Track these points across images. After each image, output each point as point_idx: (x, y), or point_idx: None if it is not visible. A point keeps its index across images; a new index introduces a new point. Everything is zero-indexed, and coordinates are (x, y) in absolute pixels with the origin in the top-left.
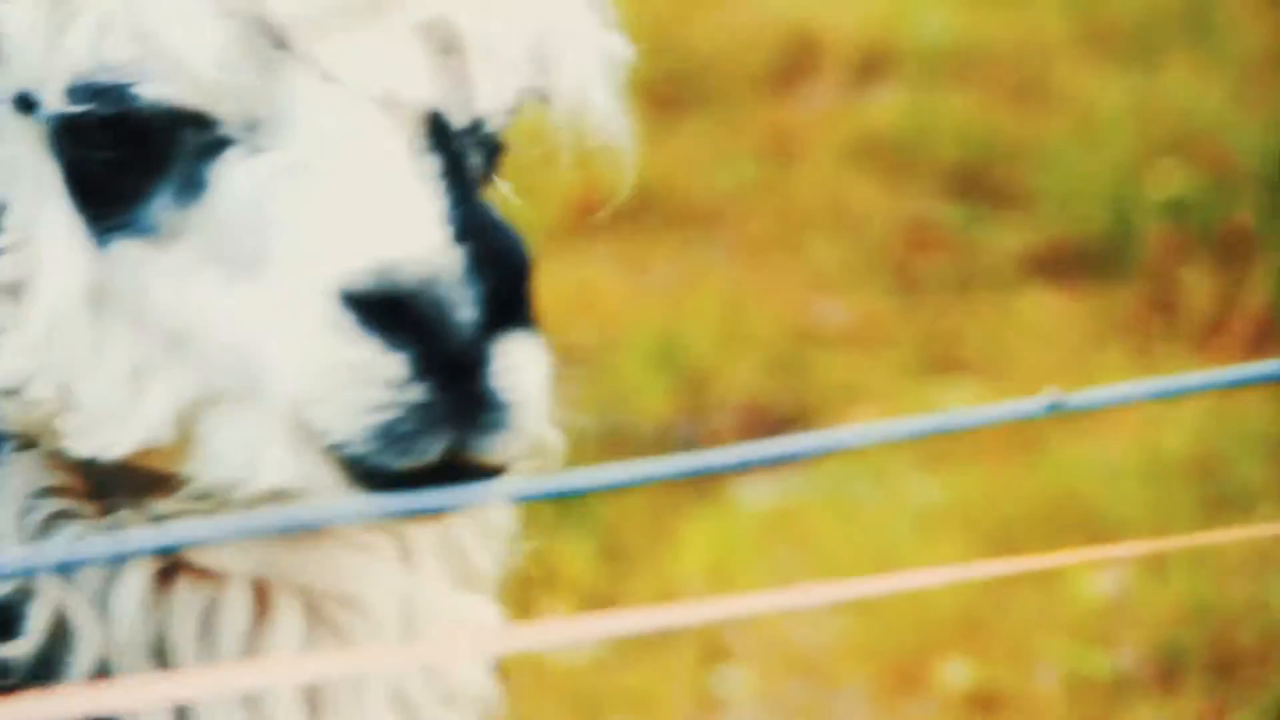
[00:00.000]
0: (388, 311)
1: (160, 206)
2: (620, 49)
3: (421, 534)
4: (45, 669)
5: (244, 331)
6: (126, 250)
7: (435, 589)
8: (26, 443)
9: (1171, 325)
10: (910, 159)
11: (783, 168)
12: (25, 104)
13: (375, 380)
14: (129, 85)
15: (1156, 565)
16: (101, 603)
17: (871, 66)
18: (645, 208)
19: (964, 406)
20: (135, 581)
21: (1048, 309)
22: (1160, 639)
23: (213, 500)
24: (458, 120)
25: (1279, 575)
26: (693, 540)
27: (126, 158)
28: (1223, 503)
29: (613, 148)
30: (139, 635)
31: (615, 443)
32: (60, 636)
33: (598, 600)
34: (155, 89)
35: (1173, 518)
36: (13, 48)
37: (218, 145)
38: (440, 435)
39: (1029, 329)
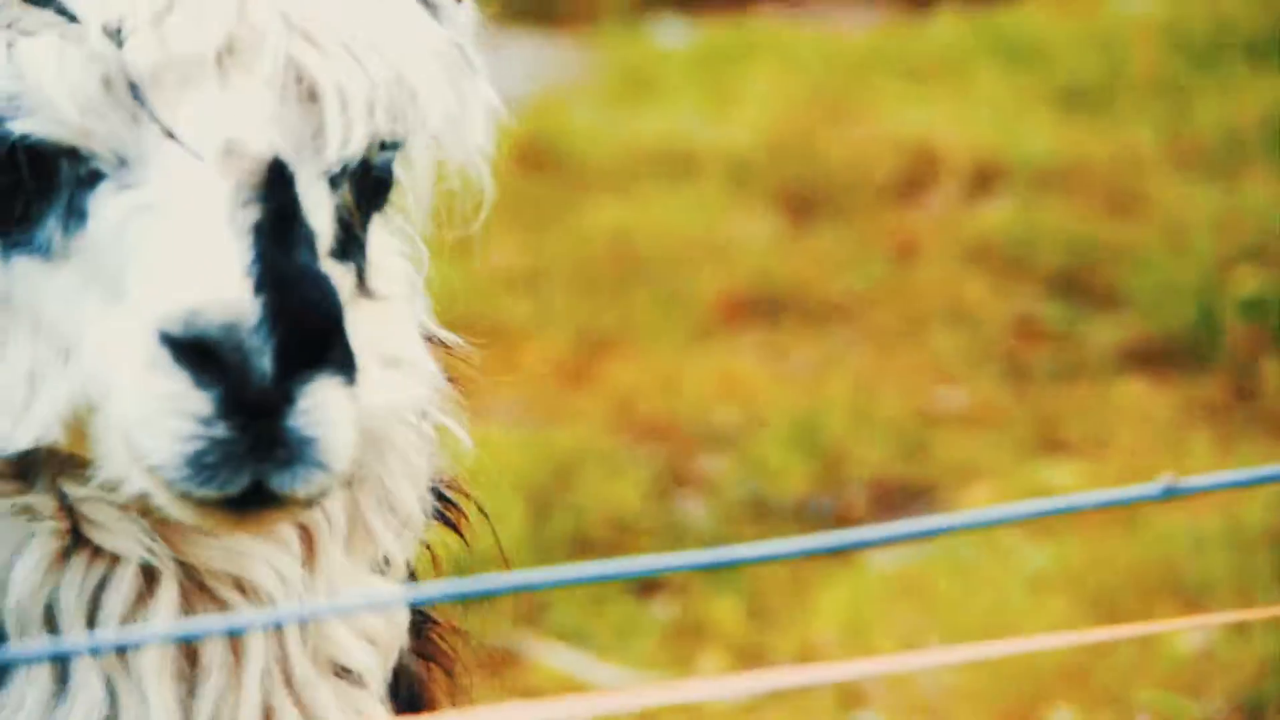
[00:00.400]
0: (196, 353)
1: (50, 230)
2: (476, 91)
3: (324, 513)
4: None
5: (102, 352)
6: (25, 266)
7: (336, 572)
8: None
9: (1251, 412)
10: (1018, 262)
11: (906, 268)
12: None
13: (184, 413)
14: (5, 119)
15: (1240, 624)
16: (2, 576)
17: (984, 179)
18: (784, 303)
19: (1067, 483)
20: (33, 558)
21: (1140, 396)
22: (1243, 690)
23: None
24: (320, 164)
25: None
26: (829, 600)
27: (17, 183)
28: None
29: (471, 181)
30: (34, 609)
31: (759, 514)
32: None
33: (746, 652)
34: (28, 124)
35: (1254, 582)
36: None
37: (94, 178)
38: (241, 469)
39: (1124, 414)
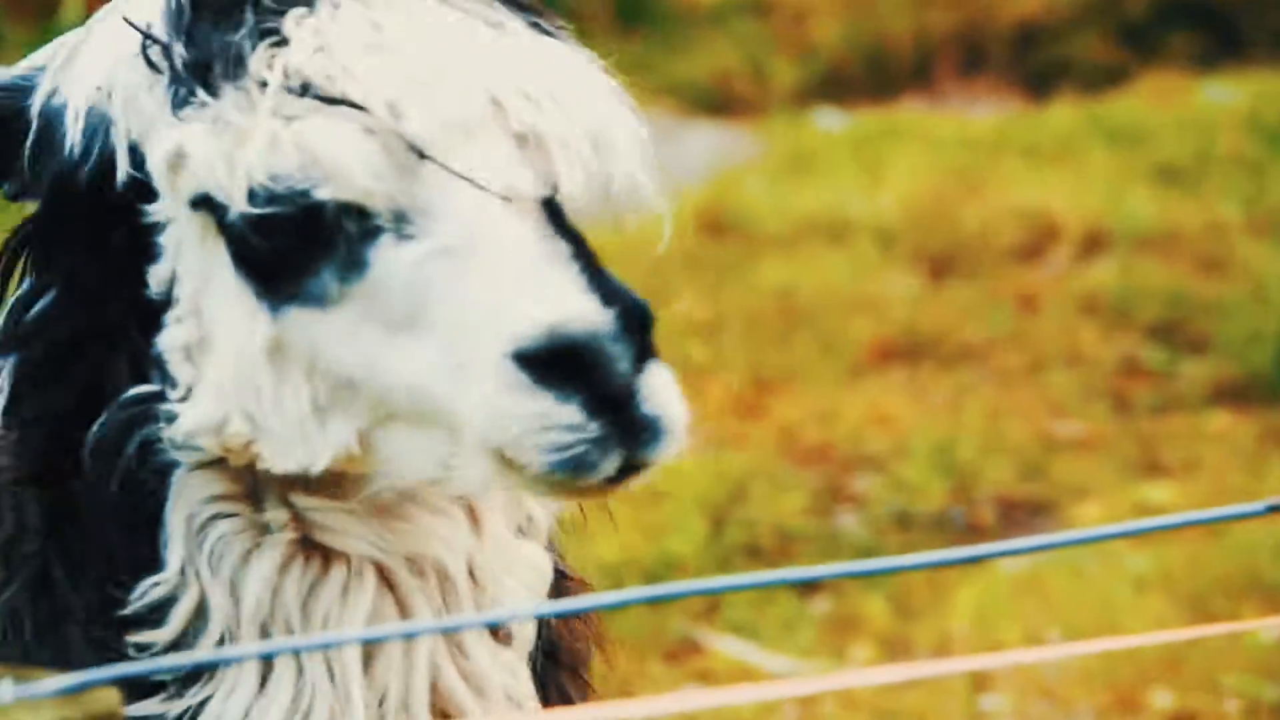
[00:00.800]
0: (555, 367)
1: (325, 281)
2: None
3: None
4: (175, 648)
5: (408, 375)
6: (298, 315)
7: (500, 540)
8: (199, 464)
9: None
10: (1123, 313)
11: (1027, 318)
12: (204, 203)
13: (557, 426)
14: (301, 190)
15: None
16: (235, 585)
17: (1093, 243)
18: (924, 348)
19: (1165, 501)
20: (264, 567)
21: (1227, 426)
22: None
23: (359, 496)
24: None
25: None
26: (963, 598)
27: (296, 244)
28: None
29: (651, 215)
30: (260, 612)
31: (903, 525)
32: (195, 619)
33: (891, 644)
34: (322, 192)
35: None
36: (194, 163)
37: (374, 232)
38: (614, 456)
39: (1213, 442)
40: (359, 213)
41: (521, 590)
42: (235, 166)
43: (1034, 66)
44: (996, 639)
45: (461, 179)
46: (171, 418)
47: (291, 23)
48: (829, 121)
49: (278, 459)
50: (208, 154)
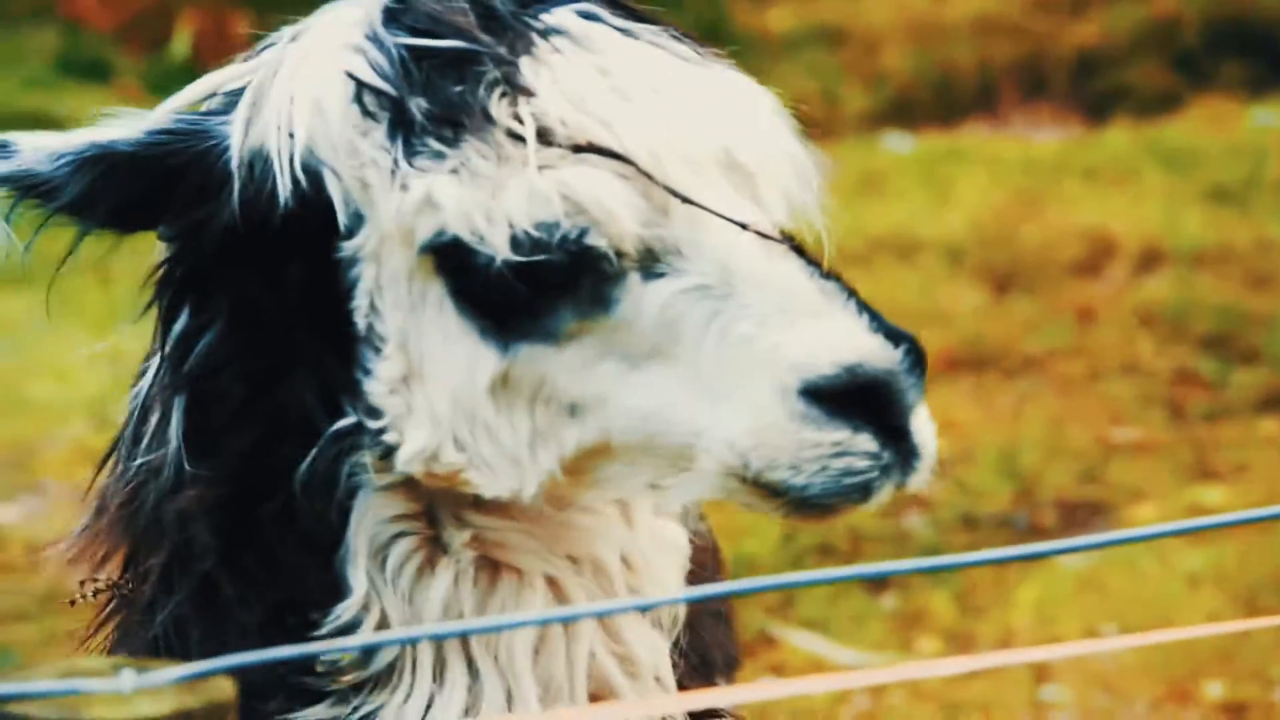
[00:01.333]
0: (848, 401)
1: (563, 319)
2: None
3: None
4: (361, 659)
5: (645, 405)
6: (530, 351)
7: (648, 526)
8: (383, 487)
9: None
10: (1177, 326)
11: (1086, 330)
12: (438, 248)
13: (855, 453)
14: (571, 236)
15: None
16: (416, 603)
17: (1149, 260)
18: (989, 358)
19: (1217, 502)
20: (442, 585)
21: (1275, 433)
22: None
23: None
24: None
25: None
26: (1025, 594)
27: (546, 287)
28: None
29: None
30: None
31: (968, 525)
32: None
33: (956, 637)
34: (592, 238)
35: None
36: (446, 211)
37: (622, 272)
38: (892, 482)
39: (1262, 447)
40: (615, 254)
41: (670, 568)
42: (494, 215)
43: (1092, 93)
44: (1056, 633)
45: (720, 218)
46: (376, 447)
47: (530, 73)
48: (898, 145)
49: (490, 486)
50: (461, 203)
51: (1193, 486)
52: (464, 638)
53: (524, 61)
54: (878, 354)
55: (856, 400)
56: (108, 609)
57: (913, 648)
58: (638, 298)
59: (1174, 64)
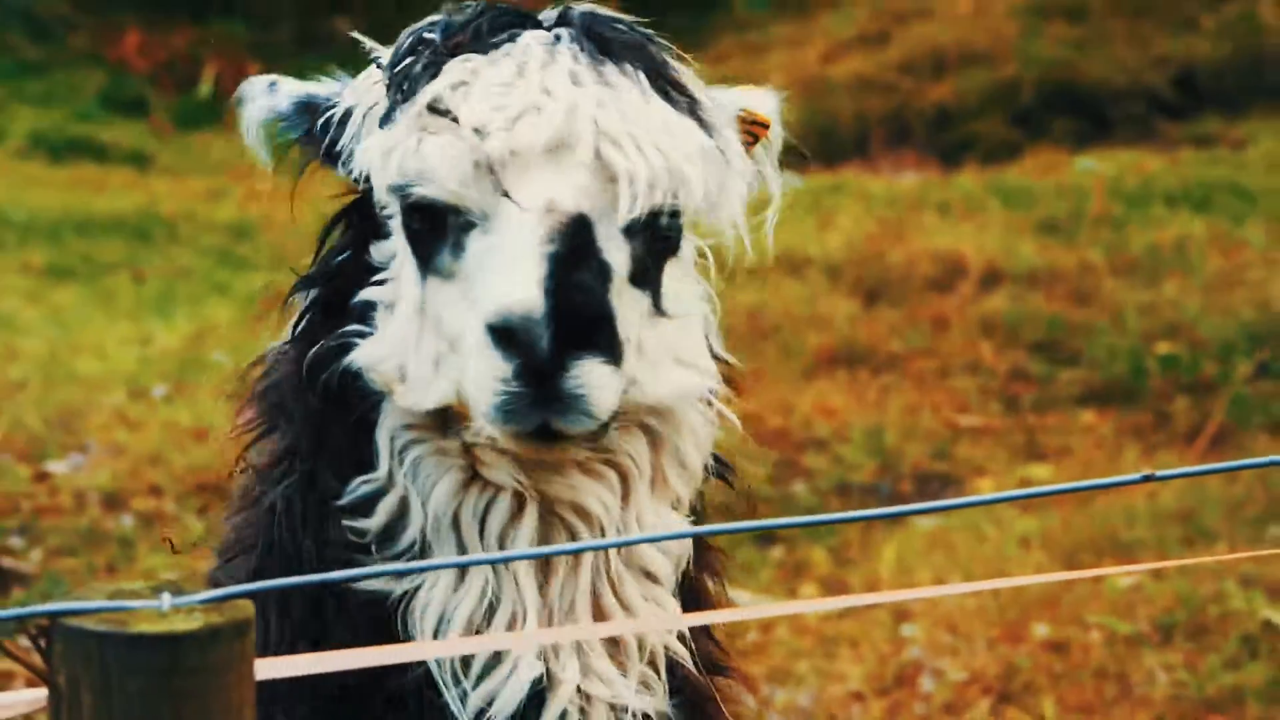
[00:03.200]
0: (505, 336)
1: (444, 259)
2: (732, 181)
3: (635, 464)
4: (386, 537)
5: (466, 343)
6: (433, 284)
7: (643, 505)
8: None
9: (1167, 432)
10: (1013, 333)
11: (939, 336)
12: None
13: (497, 378)
14: (411, 184)
15: (1158, 570)
16: (426, 495)
17: (991, 279)
18: (860, 357)
19: (1045, 478)
20: (446, 484)
21: (1092, 422)
22: (1161, 616)
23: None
24: (616, 223)
25: None
26: (888, 549)
27: (427, 229)
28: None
29: (732, 236)
30: (445, 519)
31: (843, 493)
32: (399, 517)
33: (831, 584)
34: (428, 190)
35: (1168, 543)
36: (367, 164)
37: (469, 225)
38: (532, 414)
39: (1082, 434)
40: (455, 210)
41: (659, 551)
42: (388, 166)
43: (946, 142)
44: (913, 581)
45: (501, 192)
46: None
47: (451, 63)
48: (790, 181)
49: (403, 397)
50: (375, 155)
51: (1024, 465)
52: (480, 541)
53: (461, 57)
54: (524, 303)
55: (511, 340)
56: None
57: (796, 592)
58: (473, 248)
59: (1013, 119)
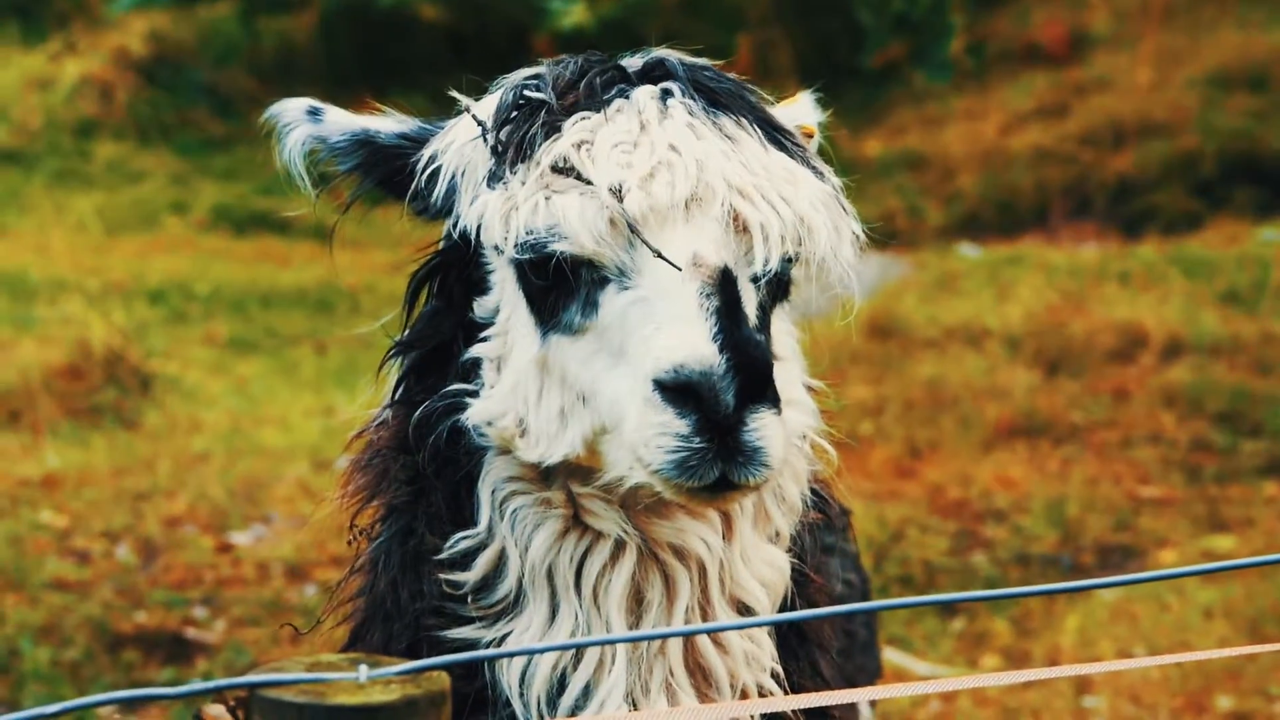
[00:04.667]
0: (679, 393)
1: (573, 315)
2: (847, 226)
3: (739, 505)
4: (482, 588)
5: (611, 394)
6: (557, 340)
7: (746, 542)
8: (501, 450)
9: None
10: (1196, 403)
11: (1121, 406)
12: (498, 250)
13: (673, 434)
14: (549, 243)
15: None
16: (525, 545)
17: (1173, 350)
18: (1040, 427)
19: (1228, 549)
20: (545, 532)
21: (1277, 493)
22: None
23: (612, 490)
24: (749, 273)
25: None
26: (1070, 620)
27: (554, 285)
28: None
29: (847, 290)
30: (542, 567)
31: (1023, 564)
32: (496, 569)
33: (1013, 655)
34: (563, 246)
35: None
36: (487, 222)
37: (603, 281)
38: (712, 468)
39: (1266, 505)
40: (589, 265)
41: (759, 584)
42: (509, 224)
43: (1127, 213)
44: (1095, 653)
45: (647, 247)
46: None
47: (569, 122)
48: (969, 252)
49: (527, 451)
50: (492, 214)
51: (1207, 536)
52: (576, 587)
53: (577, 115)
54: (702, 359)
55: (688, 394)
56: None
57: (977, 663)
58: (611, 303)
59: (1195, 190)
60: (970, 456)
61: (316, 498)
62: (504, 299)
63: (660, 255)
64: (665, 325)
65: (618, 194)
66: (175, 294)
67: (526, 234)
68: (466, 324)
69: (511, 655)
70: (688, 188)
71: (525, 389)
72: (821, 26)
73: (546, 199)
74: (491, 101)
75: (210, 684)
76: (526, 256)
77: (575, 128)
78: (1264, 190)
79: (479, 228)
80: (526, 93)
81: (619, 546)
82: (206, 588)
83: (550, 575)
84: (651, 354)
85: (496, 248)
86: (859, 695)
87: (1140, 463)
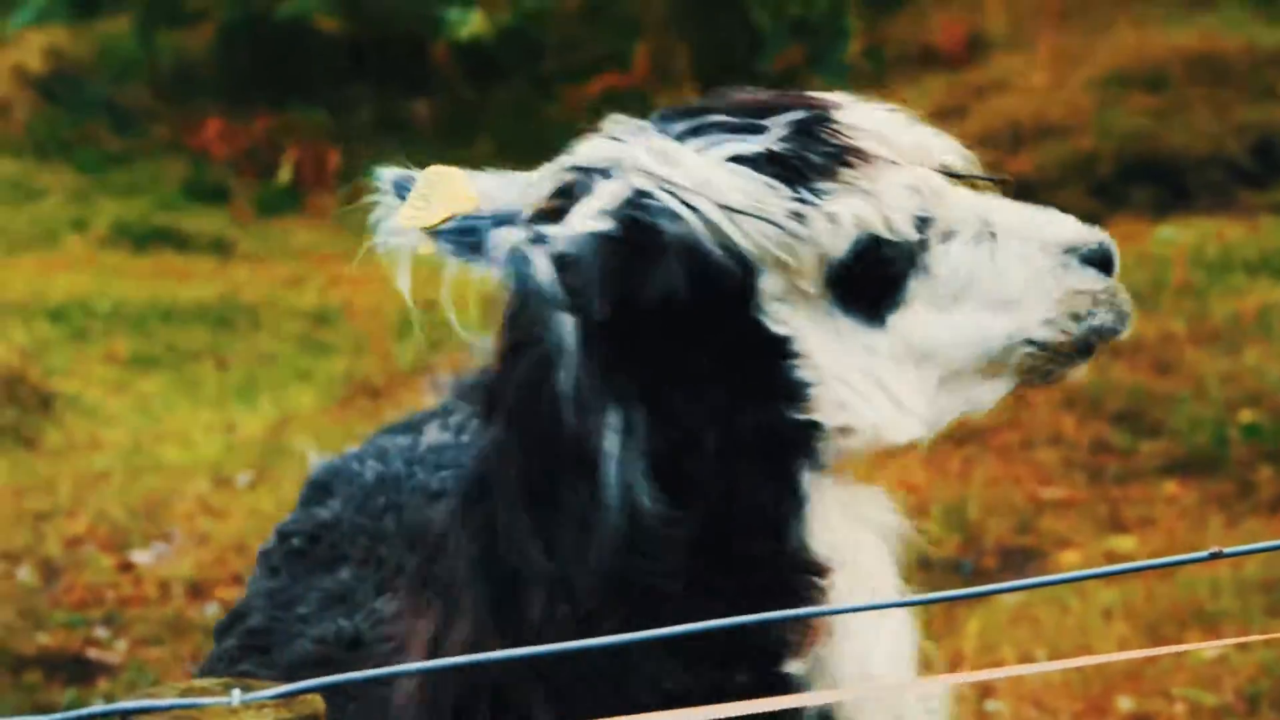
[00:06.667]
0: (1097, 263)
1: (908, 288)
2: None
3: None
4: None
5: (964, 333)
6: (895, 319)
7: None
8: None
9: (1251, 502)
10: (1096, 405)
11: (1022, 408)
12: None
13: (1108, 290)
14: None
15: (1243, 642)
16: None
17: None
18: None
19: (1129, 550)
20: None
21: (1177, 493)
22: (1246, 686)
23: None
24: None
25: None
26: (971, 625)
27: (860, 283)
28: None
29: None
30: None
31: (924, 569)
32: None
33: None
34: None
35: (1251, 614)
36: (845, 222)
37: (928, 242)
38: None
39: (1165, 505)
40: (916, 232)
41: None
42: (883, 214)
43: None
44: (997, 657)
45: (987, 181)
46: (815, 437)
47: (847, 131)
48: None
49: (898, 435)
50: (854, 214)
51: (1108, 537)
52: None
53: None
54: (1104, 236)
55: (1101, 265)
56: None
57: None
58: (941, 259)
59: (1093, 190)
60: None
61: (217, 514)
62: (797, 328)
63: (988, 179)
64: (1043, 226)
65: (910, 178)
66: (76, 312)
67: (898, 220)
68: (762, 349)
69: (392, 675)
70: (959, 159)
71: (882, 385)
72: (719, 31)
73: (897, 182)
74: (731, 142)
75: (79, 712)
76: (844, 258)
77: (851, 135)
78: (1162, 189)
79: (828, 242)
80: (813, 126)
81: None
82: (108, 607)
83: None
84: (1057, 239)
85: (837, 258)
86: (743, 709)
87: (1041, 464)
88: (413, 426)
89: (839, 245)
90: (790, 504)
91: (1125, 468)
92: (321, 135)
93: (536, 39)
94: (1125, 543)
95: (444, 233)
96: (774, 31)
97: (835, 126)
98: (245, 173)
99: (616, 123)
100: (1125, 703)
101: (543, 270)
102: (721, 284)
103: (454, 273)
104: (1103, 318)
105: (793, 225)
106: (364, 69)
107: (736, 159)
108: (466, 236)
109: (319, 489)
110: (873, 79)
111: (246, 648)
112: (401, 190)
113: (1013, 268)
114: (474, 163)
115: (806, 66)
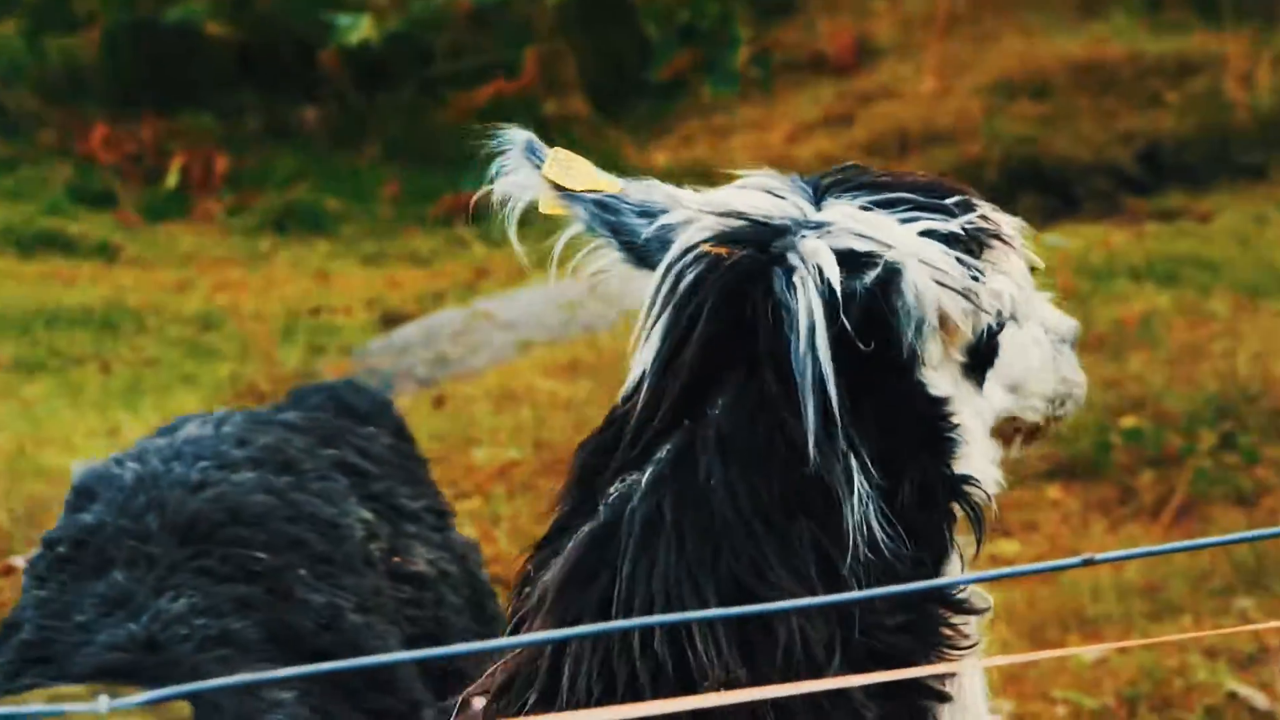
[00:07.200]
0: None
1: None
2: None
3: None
4: None
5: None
6: (988, 386)
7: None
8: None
9: (1132, 507)
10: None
11: None
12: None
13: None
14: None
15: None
16: None
17: None
18: None
19: (1011, 554)
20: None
21: (1059, 497)
22: (1125, 689)
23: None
24: None
25: None
26: None
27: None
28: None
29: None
30: None
31: None
32: None
33: None
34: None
35: (1131, 617)
36: (989, 303)
37: (1004, 325)
38: None
39: (1048, 509)
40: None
41: None
42: (1018, 299)
43: None
44: None
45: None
46: (968, 494)
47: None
48: None
49: (995, 491)
50: (1006, 293)
51: (991, 541)
52: None
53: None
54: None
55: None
56: None
57: None
58: (1012, 337)
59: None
60: None
61: None
62: (951, 375)
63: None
64: (1058, 323)
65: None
66: None
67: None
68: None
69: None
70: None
71: (988, 443)
72: (609, 39)
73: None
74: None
75: None
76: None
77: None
78: (1049, 196)
79: (983, 316)
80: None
81: None
82: None
83: None
84: (1066, 325)
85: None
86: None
87: None
88: (171, 429)
89: (986, 320)
90: (947, 552)
91: (1008, 473)
92: (209, 141)
93: (425, 45)
94: (1008, 547)
95: (585, 201)
96: (663, 39)
97: (985, 210)
98: (132, 177)
99: (763, 174)
100: (1006, 705)
101: (814, 301)
102: (900, 346)
103: (572, 238)
104: (1069, 406)
105: (976, 300)
106: (252, 74)
107: (929, 233)
108: (606, 212)
109: (82, 495)
110: (761, 86)
111: (25, 660)
112: (533, 152)
113: (1032, 352)
114: (362, 168)
115: (696, 74)
